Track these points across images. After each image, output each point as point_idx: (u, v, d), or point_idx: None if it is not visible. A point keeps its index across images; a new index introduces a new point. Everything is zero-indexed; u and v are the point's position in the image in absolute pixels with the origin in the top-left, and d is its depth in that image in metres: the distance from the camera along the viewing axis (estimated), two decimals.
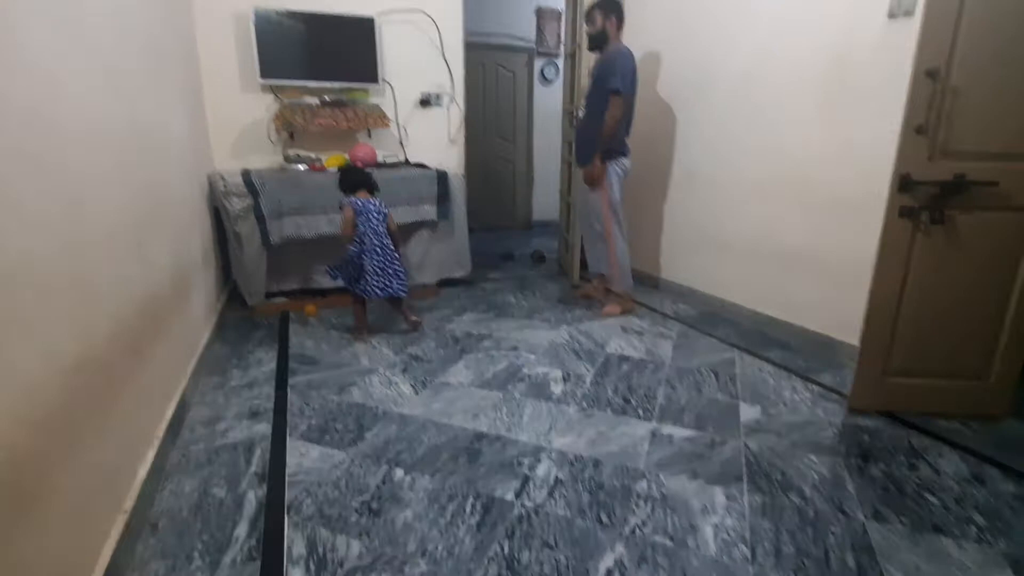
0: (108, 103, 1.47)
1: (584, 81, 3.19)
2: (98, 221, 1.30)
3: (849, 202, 2.29)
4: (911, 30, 1.91)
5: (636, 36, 3.48)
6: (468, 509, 1.42)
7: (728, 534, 1.34)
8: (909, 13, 2.02)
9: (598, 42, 2.89)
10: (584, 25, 2.93)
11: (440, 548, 1.29)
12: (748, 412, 1.95)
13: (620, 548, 1.29)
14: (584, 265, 3.41)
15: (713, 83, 2.93)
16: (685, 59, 3.12)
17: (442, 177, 3.18)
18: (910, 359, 1.87)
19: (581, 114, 3.03)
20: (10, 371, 0.87)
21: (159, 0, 2.20)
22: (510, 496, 1.47)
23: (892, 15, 2.08)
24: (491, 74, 5.37)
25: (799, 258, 2.55)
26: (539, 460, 1.64)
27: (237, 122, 3.17)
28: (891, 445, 1.75)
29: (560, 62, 5.43)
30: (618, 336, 2.68)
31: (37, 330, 0.97)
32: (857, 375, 1.93)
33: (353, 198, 2.55)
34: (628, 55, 2.75)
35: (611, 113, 2.72)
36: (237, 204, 2.70)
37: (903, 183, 1.71)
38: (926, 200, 1.72)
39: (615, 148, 2.82)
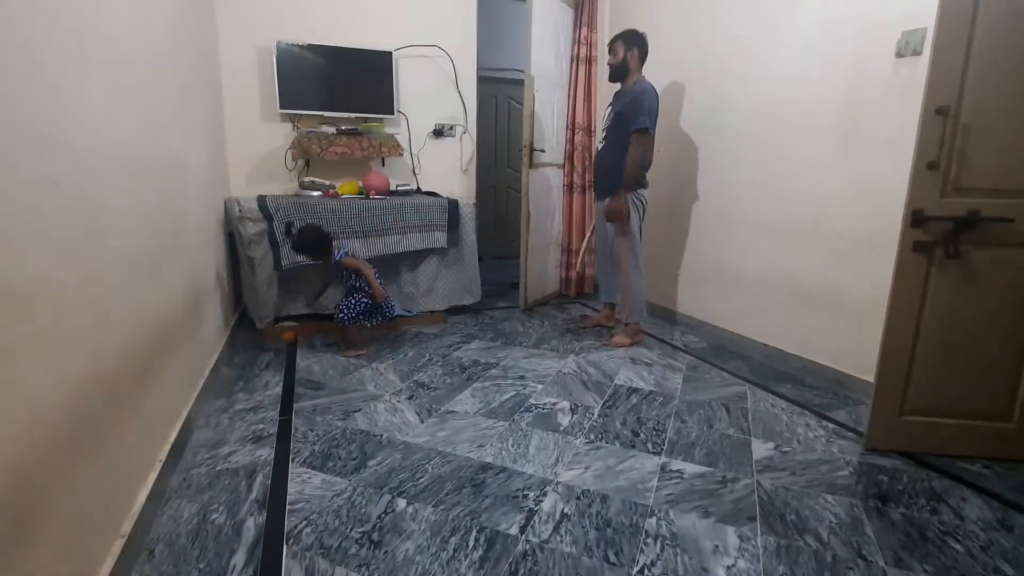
0: (134, 134, 1.52)
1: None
2: (117, 247, 1.33)
3: (862, 238, 2.28)
4: (920, 69, 1.94)
5: (648, 72, 3.56)
6: (471, 543, 1.38)
7: None
8: (917, 52, 2.04)
9: (619, 74, 2.90)
10: (607, 55, 2.94)
11: None
12: (760, 449, 1.90)
13: None
14: (587, 291, 3.40)
15: (724, 121, 2.96)
16: (695, 97, 3.17)
17: (453, 206, 3.22)
18: (928, 397, 1.83)
19: (600, 146, 3.03)
20: (21, 391, 0.87)
21: (189, 36, 2.30)
22: (515, 530, 1.43)
23: (900, 55, 2.10)
24: (503, 107, 5.48)
25: (812, 293, 2.52)
26: (545, 493, 1.60)
27: (255, 150, 3.24)
28: (911, 487, 1.69)
29: None
30: (627, 367, 2.65)
31: (50, 351, 0.97)
32: (873, 413, 1.88)
33: (342, 251, 2.72)
34: (654, 92, 2.77)
35: (638, 151, 2.74)
36: (251, 228, 2.74)
37: (916, 218, 1.70)
38: (940, 235, 1.70)
39: (636, 180, 2.86)
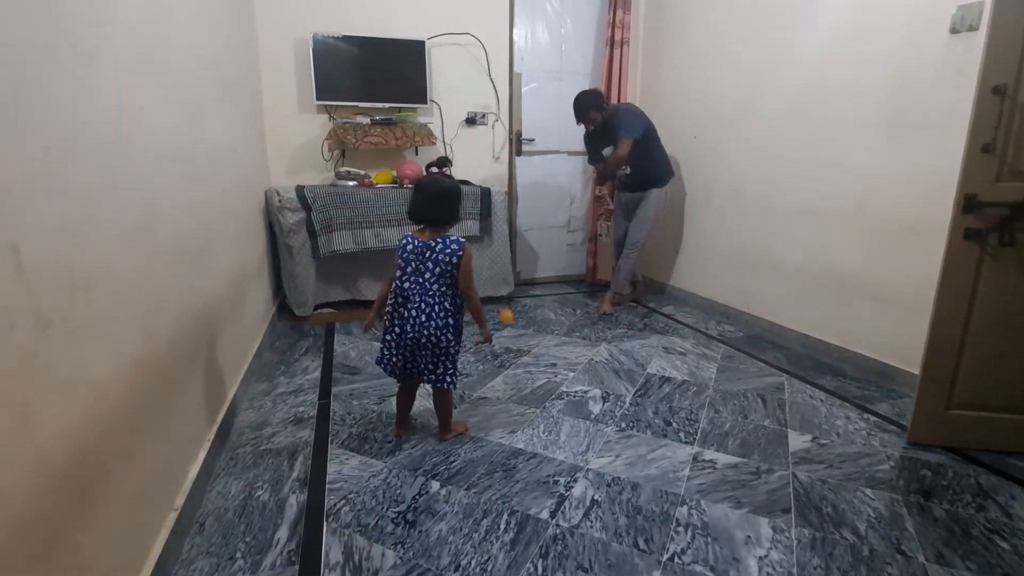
0: (182, 127, 1.59)
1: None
2: (167, 237, 1.40)
3: (909, 225, 2.18)
4: (976, 45, 1.83)
5: (679, 48, 3.48)
6: (502, 525, 1.42)
7: (773, 569, 1.28)
8: (973, 28, 1.93)
9: (604, 125, 3.17)
10: (587, 125, 3.18)
11: (473, 563, 1.28)
12: (797, 440, 1.86)
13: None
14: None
15: (761, 100, 2.87)
16: (730, 74, 3.08)
17: (485, 194, 3.23)
18: (977, 391, 1.75)
19: (627, 172, 3.29)
20: (83, 370, 0.94)
21: (230, 31, 2.37)
22: (545, 515, 1.46)
23: (955, 30, 1.99)
24: None
25: (854, 281, 2.44)
26: (575, 480, 1.62)
27: (293, 140, 3.33)
28: (955, 483, 1.63)
29: None
30: (660, 356, 2.63)
31: (109, 334, 1.04)
32: (917, 406, 1.81)
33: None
34: (627, 111, 3.18)
35: (622, 153, 3.10)
36: (290, 218, 2.83)
37: (968, 204, 1.62)
38: (994, 222, 1.62)
39: (666, 174, 3.28)
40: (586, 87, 3.93)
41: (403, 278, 1.68)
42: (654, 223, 3.31)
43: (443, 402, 1.80)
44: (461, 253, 1.66)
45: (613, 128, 3.13)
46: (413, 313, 1.65)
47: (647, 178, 3.26)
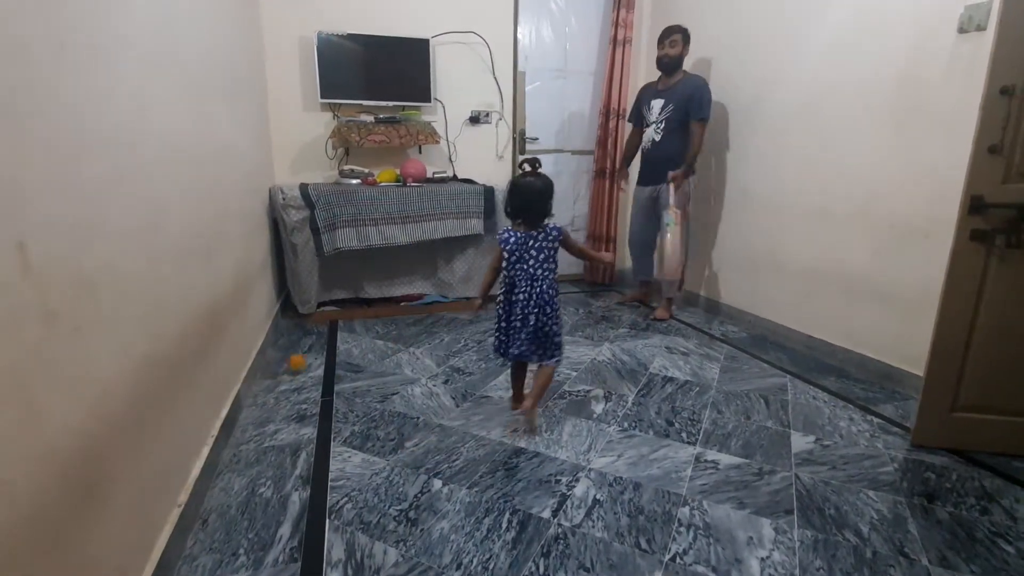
0: (189, 125, 1.59)
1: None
2: (172, 235, 1.40)
3: (916, 226, 2.17)
4: (984, 45, 1.82)
5: (691, 51, 3.46)
6: (504, 524, 1.42)
7: (775, 570, 1.27)
8: (981, 28, 1.92)
9: (673, 67, 3.06)
10: (667, 47, 3.04)
11: (475, 562, 1.28)
12: (800, 442, 1.86)
13: None
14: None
15: (768, 100, 2.86)
16: (740, 78, 3.07)
17: (488, 192, 3.23)
18: (982, 393, 1.74)
19: (658, 137, 3.15)
20: (89, 367, 0.94)
21: (236, 30, 2.38)
22: (547, 514, 1.46)
23: (963, 30, 1.98)
24: None
25: (860, 282, 2.43)
26: (577, 479, 1.62)
27: (298, 138, 3.33)
28: (960, 485, 1.62)
29: None
30: (662, 356, 2.62)
31: (115, 331, 1.04)
32: (921, 408, 1.81)
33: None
34: (706, 85, 3.00)
35: (703, 138, 3.01)
36: (294, 216, 2.83)
37: (974, 205, 1.61)
38: (1001, 223, 1.61)
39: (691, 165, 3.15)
40: (590, 86, 3.94)
41: (509, 268, 1.86)
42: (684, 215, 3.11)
43: (545, 377, 1.91)
44: (561, 236, 1.88)
45: (682, 93, 3.00)
46: (521, 298, 1.83)
47: (670, 160, 3.06)
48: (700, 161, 3.38)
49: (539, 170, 1.89)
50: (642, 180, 3.33)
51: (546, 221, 1.87)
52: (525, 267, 1.84)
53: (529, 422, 1.92)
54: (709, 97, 2.98)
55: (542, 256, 1.84)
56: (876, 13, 2.28)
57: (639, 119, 3.30)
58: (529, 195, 1.83)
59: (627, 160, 3.53)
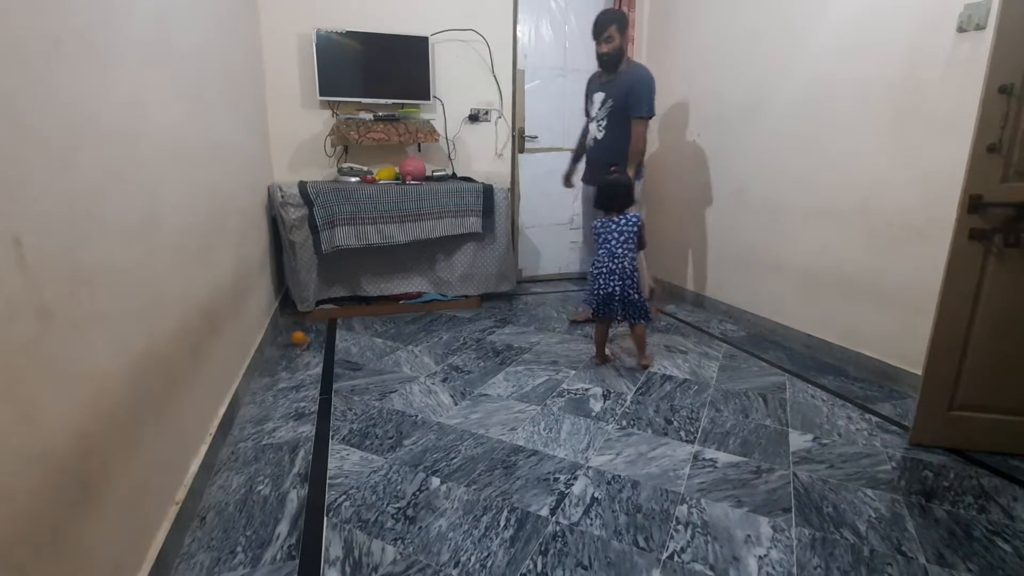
0: (187, 122, 1.59)
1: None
2: (171, 229, 1.40)
3: (915, 225, 2.17)
4: (983, 45, 1.82)
5: (683, 47, 3.46)
6: (502, 522, 1.42)
7: (773, 568, 1.28)
8: (980, 27, 1.91)
9: (615, 62, 2.82)
10: (602, 44, 2.80)
11: (473, 559, 1.28)
12: (798, 440, 1.86)
13: (657, 574, 1.25)
14: None
15: (766, 99, 2.86)
16: (734, 74, 3.06)
17: (488, 191, 3.23)
18: (980, 392, 1.74)
19: (600, 135, 2.96)
20: (85, 364, 0.94)
21: (233, 26, 2.37)
22: (545, 512, 1.46)
23: (962, 29, 1.98)
24: None
25: (858, 281, 2.43)
26: (576, 477, 1.62)
27: (296, 136, 3.33)
28: (957, 484, 1.62)
29: None
30: (661, 355, 2.62)
31: (111, 328, 1.04)
32: (920, 407, 1.81)
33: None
34: (652, 77, 2.81)
35: (642, 137, 2.83)
36: (293, 214, 2.83)
37: (973, 204, 1.61)
38: (999, 222, 1.61)
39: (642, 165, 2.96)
40: None
41: (599, 250, 2.39)
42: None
43: (640, 335, 2.44)
44: (640, 222, 2.38)
45: (622, 87, 2.80)
46: (604, 271, 2.34)
47: (613, 160, 2.82)
48: (697, 160, 3.39)
49: (617, 173, 2.51)
50: (586, 178, 3.16)
51: (627, 211, 2.40)
52: (609, 247, 2.34)
53: (650, 358, 2.49)
54: (650, 91, 2.79)
55: (623, 238, 2.33)
56: (875, 12, 2.28)
57: (586, 112, 3.10)
58: (613, 190, 2.41)
59: (576, 157, 3.30)
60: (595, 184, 2.89)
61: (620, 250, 2.32)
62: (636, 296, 2.33)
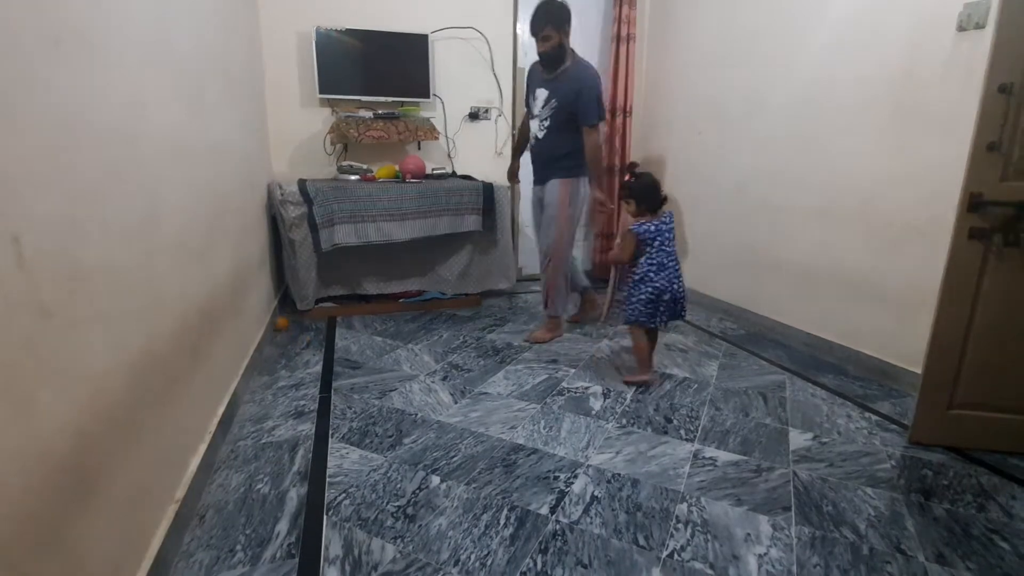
0: (186, 120, 1.58)
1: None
2: (170, 228, 1.39)
3: (914, 224, 2.17)
4: (983, 43, 1.82)
5: (684, 45, 3.46)
6: (502, 521, 1.42)
7: (773, 566, 1.28)
8: (980, 26, 1.91)
9: (557, 60, 2.55)
10: (540, 43, 2.53)
11: (473, 558, 1.28)
12: (798, 439, 1.86)
13: (657, 572, 1.25)
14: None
15: (767, 97, 2.86)
16: (735, 72, 3.06)
17: (487, 189, 3.22)
18: (979, 391, 1.75)
19: (541, 135, 2.69)
20: (83, 362, 0.93)
21: (233, 24, 2.37)
22: (545, 510, 1.46)
23: (962, 28, 1.97)
24: None
25: (858, 280, 2.43)
26: (576, 476, 1.62)
27: (296, 134, 3.32)
28: (957, 483, 1.63)
29: None
30: (661, 353, 2.62)
31: (110, 327, 1.04)
32: (919, 406, 1.81)
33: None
34: (596, 75, 2.57)
35: (597, 145, 2.59)
36: (292, 212, 2.82)
37: (973, 203, 1.61)
38: (999, 221, 1.61)
39: (576, 164, 2.65)
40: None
41: (656, 253, 2.21)
42: (562, 225, 2.67)
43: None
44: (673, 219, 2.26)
45: (568, 89, 2.53)
46: (674, 274, 2.21)
47: (553, 160, 2.66)
48: (697, 159, 3.39)
49: (639, 170, 2.30)
50: (534, 177, 2.86)
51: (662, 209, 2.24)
52: (667, 248, 2.20)
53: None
54: (596, 96, 2.53)
55: (672, 235, 2.22)
56: (875, 11, 2.27)
57: (527, 106, 2.81)
58: (655, 188, 2.22)
59: (517, 151, 3.03)
60: (540, 185, 2.79)
61: (673, 248, 2.22)
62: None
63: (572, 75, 2.54)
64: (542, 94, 2.64)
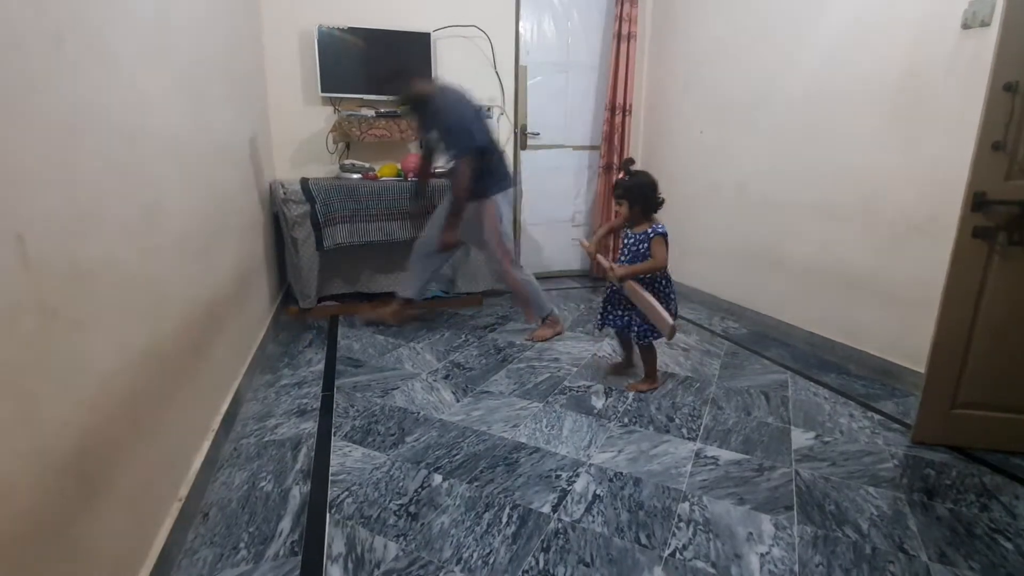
0: (188, 119, 1.59)
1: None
2: (172, 227, 1.40)
3: (918, 223, 2.17)
4: (988, 41, 1.81)
5: (686, 43, 3.45)
6: (504, 519, 1.42)
7: (775, 566, 1.28)
8: (985, 24, 1.90)
9: (423, 108, 2.58)
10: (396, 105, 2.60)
11: (475, 556, 1.29)
12: (800, 438, 1.86)
13: (659, 571, 1.25)
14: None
15: (770, 95, 2.85)
16: (738, 70, 3.05)
17: None
18: (983, 390, 1.74)
19: (450, 165, 2.65)
20: (87, 361, 0.94)
21: (236, 23, 2.37)
22: (547, 509, 1.46)
23: (966, 26, 1.96)
24: None
25: (861, 279, 2.42)
26: (577, 475, 1.62)
27: (298, 133, 3.32)
28: (959, 482, 1.62)
29: None
30: (663, 352, 2.62)
31: (113, 325, 1.04)
32: (922, 405, 1.81)
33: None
34: (460, 99, 2.55)
35: (465, 174, 2.50)
36: (295, 211, 2.83)
37: (977, 201, 1.60)
38: (1003, 220, 1.60)
39: (503, 182, 2.66)
40: (592, 81, 3.90)
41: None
42: (494, 241, 2.69)
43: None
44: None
45: (440, 130, 2.56)
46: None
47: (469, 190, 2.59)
48: (700, 156, 3.38)
49: (631, 166, 2.14)
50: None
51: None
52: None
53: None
54: (464, 126, 2.49)
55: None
56: (879, 8, 2.26)
57: (426, 146, 2.87)
58: (655, 188, 2.06)
59: (419, 192, 3.00)
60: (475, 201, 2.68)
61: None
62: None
63: (439, 116, 2.55)
64: (433, 134, 2.66)
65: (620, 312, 2.17)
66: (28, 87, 0.81)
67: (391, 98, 3.29)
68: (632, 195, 2.05)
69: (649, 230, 2.05)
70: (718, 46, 3.21)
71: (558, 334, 2.85)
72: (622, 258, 2.12)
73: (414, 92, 2.59)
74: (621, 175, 2.15)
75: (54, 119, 0.88)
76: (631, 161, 2.20)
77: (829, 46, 2.50)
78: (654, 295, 2.03)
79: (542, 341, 2.77)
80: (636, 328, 2.12)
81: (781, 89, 2.78)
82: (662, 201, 2.08)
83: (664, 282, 2.11)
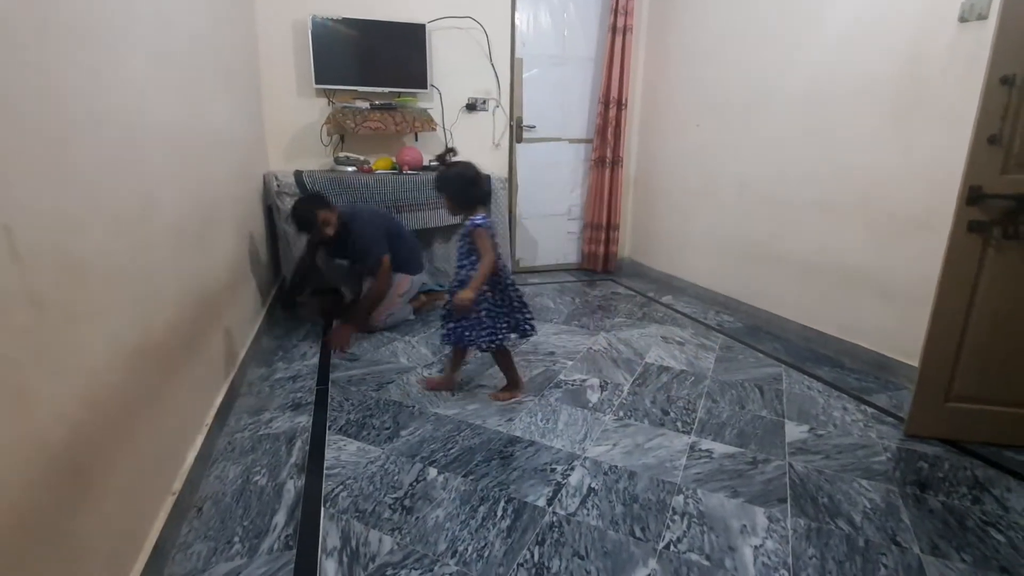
0: (181, 111, 1.57)
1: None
2: (167, 220, 1.38)
3: (915, 217, 2.17)
4: (985, 35, 1.80)
5: (684, 37, 3.43)
6: (499, 512, 1.42)
7: (769, 558, 1.28)
8: (982, 17, 1.90)
9: (342, 238, 2.59)
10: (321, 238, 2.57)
11: (470, 549, 1.29)
12: (794, 431, 1.87)
13: (653, 564, 1.26)
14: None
15: (768, 90, 2.84)
16: (736, 64, 3.04)
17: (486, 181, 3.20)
18: (976, 384, 1.75)
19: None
20: (79, 354, 0.93)
21: (229, 13, 2.34)
22: (542, 502, 1.46)
23: (964, 19, 1.96)
24: None
25: (857, 274, 2.43)
26: (572, 468, 1.62)
27: (292, 125, 3.30)
28: (952, 475, 1.63)
29: None
30: (658, 346, 2.62)
31: (105, 318, 1.03)
32: (915, 398, 1.81)
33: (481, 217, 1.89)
34: (366, 218, 2.61)
35: (382, 280, 2.59)
36: (289, 203, 2.80)
37: (972, 195, 1.60)
38: (998, 214, 1.61)
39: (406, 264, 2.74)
40: (588, 74, 3.89)
41: (498, 254, 1.93)
42: (391, 301, 2.72)
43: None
44: (473, 226, 1.90)
45: (357, 249, 2.61)
46: (508, 279, 1.98)
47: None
48: (699, 151, 3.37)
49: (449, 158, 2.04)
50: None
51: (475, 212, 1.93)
52: (499, 250, 1.94)
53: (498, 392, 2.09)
54: (373, 240, 2.57)
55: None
56: (876, 3, 2.26)
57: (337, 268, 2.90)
58: (474, 182, 1.92)
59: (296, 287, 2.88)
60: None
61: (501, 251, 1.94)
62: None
63: (354, 237, 2.59)
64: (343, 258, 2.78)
65: (452, 324, 1.95)
66: (17, 76, 0.79)
67: (385, 90, 3.26)
68: (444, 187, 1.92)
69: (468, 223, 1.87)
70: (716, 40, 3.20)
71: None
72: (461, 260, 1.93)
73: (324, 223, 2.51)
74: (439, 166, 2.03)
75: (44, 109, 0.86)
76: (450, 151, 2.08)
77: (828, 40, 2.50)
78: (506, 304, 1.95)
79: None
80: (471, 334, 1.90)
81: (780, 83, 2.77)
82: (484, 194, 1.95)
83: (512, 288, 1.97)
